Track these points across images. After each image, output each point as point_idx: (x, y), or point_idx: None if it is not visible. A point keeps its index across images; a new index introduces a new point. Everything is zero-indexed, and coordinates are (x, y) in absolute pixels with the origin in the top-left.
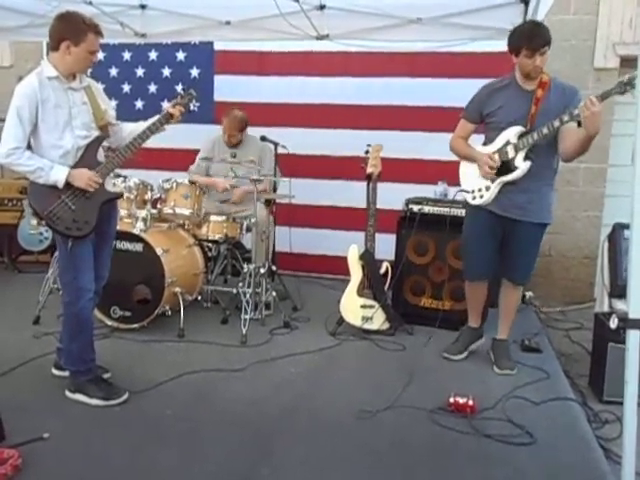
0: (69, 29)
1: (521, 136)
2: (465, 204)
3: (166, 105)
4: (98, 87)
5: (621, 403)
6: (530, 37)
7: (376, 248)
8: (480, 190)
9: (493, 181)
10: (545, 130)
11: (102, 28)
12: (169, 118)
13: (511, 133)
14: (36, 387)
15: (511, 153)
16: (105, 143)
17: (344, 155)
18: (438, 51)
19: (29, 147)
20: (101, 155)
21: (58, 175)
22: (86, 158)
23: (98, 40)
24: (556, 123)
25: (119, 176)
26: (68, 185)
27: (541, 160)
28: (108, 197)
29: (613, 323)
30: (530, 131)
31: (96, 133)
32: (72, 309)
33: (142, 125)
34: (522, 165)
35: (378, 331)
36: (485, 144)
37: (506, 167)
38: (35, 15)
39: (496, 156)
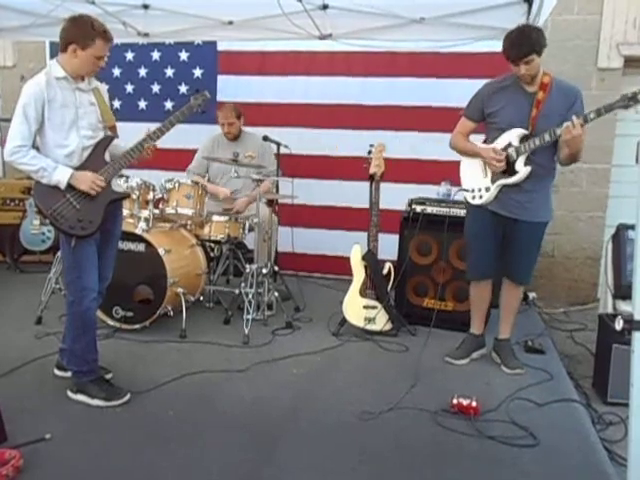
0: (77, 33)
1: (523, 139)
2: (466, 203)
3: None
4: (105, 91)
5: (625, 405)
6: (511, 48)
7: (379, 248)
8: (480, 190)
9: (493, 182)
10: (547, 137)
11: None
12: (178, 120)
13: (513, 135)
14: (38, 388)
15: (513, 156)
16: None
17: (347, 155)
18: (441, 51)
19: (35, 146)
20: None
21: (60, 176)
22: (93, 159)
23: (107, 46)
24: (558, 131)
25: (121, 176)
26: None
27: (542, 160)
28: (114, 197)
29: (619, 325)
30: (532, 135)
31: (102, 134)
32: (77, 309)
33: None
34: (522, 170)
35: (381, 332)
36: (486, 143)
37: (507, 169)
38: (38, 15)
39: (500, 148)
